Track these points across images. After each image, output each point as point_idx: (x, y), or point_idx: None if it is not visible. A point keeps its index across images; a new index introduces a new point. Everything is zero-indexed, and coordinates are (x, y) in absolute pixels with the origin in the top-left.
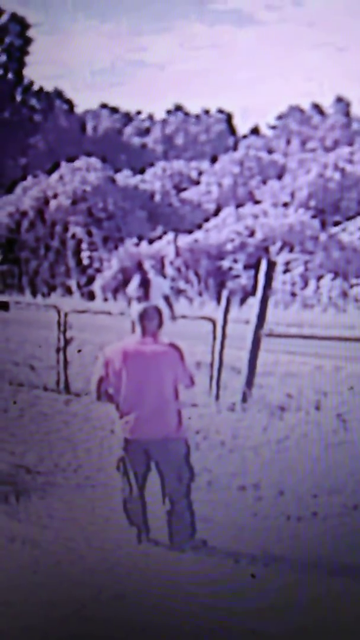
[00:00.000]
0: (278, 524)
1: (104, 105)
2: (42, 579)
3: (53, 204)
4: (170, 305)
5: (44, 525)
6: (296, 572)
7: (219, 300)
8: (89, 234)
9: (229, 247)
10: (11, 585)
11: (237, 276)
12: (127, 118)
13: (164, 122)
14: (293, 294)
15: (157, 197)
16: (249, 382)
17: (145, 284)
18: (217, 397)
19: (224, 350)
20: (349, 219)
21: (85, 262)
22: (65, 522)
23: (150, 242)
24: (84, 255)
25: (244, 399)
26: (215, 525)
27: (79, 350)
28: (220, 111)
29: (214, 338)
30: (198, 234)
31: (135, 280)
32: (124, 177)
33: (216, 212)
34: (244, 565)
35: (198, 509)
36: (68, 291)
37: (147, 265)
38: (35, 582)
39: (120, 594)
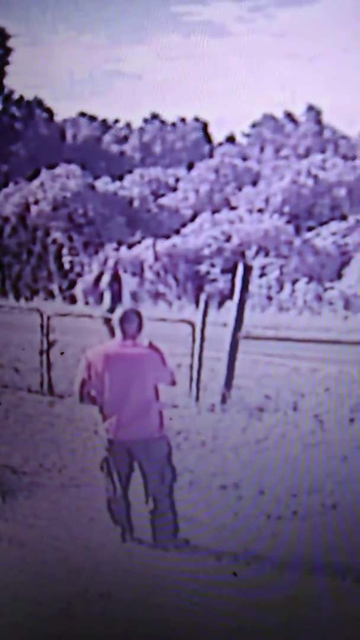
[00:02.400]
0: (258, 523)
1: (82, 114)
2: (28, 577)
3: (34, 209)
4: (136, 301)
5: (29, 524)
6: (277, 570)
7: (197, 303)
8: (70, 239)
9: (206, 251)
10: None
11: (215, 280)
12: (106, 126)
13: (142, 130)
14: (269, 298)
15: (136, 203)
16: (228, 384)
17: (116, 279)
18: (197, 398)
19: (203, 352)
20: (322, 224)
21: (67, 266)
22: (51, 522)
23: (130, 247)
24: (65, 259)
25: (224, 400)
26: (197, 524)
27: (62, 353)
28: (197, 119)
29: (193, 340)
30: (176, 239)
31: (107, 277)
32: (103, 184)
33: (193, 218)
34: (225, 564)
35: (180, 508)
36: (50, 295)
37: (118, 265)
38: (22, 581)
39: (105, 592)
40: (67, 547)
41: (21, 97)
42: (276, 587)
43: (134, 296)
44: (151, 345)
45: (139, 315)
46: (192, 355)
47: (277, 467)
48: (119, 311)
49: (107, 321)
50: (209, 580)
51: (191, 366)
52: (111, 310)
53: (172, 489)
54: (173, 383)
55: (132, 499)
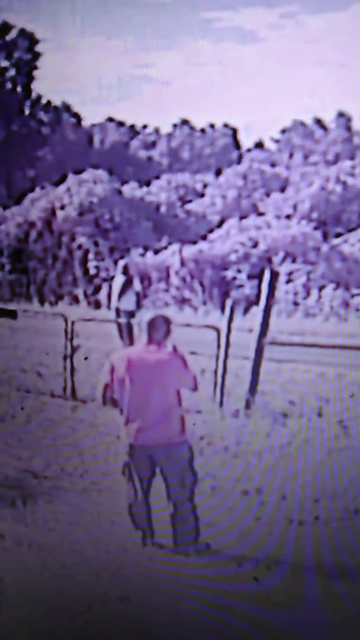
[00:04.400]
0: (280, 528)
1: (110, 119)
2: (48, 581)
3: (60, 215)
4: (139, 300)
5: (50, 528)
6: (298, 575)
7: (223, 309)
8: (96, 244)
9: (233, 257)
10: (18, 588)
11: (241, 286)
12: (134, 132)
13: (170, 135)
14: (295, 304)
15: (163, 209)
16: (253, 389)
17: (129, 282)
18: (221, 403)
19: (227, 358)
20: (350, 230)
21: (92, 271)
22: (72, 526)
23: (156, 252)
24: (91, 265)
25: (248, 406)
26: (218, 529)
27: (86, 358)
28: (226, 125)
29: (218, 346)
30: (202, 245)
31: (119, 278)
32: (130, 189)
33: (220, 224)
34: (246, 569)
35: (202, 513)
36: (75, 300)
37: (131, 266)
38: (42, 584)
39: (125, 596)
40: (88, 551)
41: (49, 102)
42: (297, 591)
43: (137, 295)
44: (174, 350)
45: (167, 321)
46: (217, 360)
47: (300, 472)
48: (146, 315)
49: (119, 324)
50: (229, 585)
51: (215, 371)
52: (132, 314)
53: (193, 493)
54: (195, 388)
55: (153, 503)
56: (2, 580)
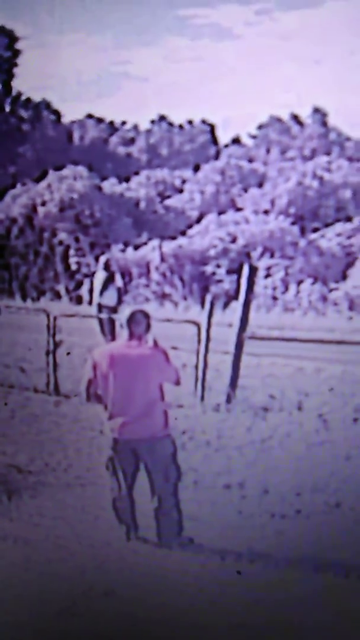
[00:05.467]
0: (262, 521)
1: (90, 116)
2: (33, 576)
3: (41, 211)
4: (120, 295)
5: (34, 523)
6: (280, 568)
7: (202, 304)
8: (77, 240)
9: (212, 252)
10: (3, 583)
11: (220, 281)
12: (113, 128)
13: (149, 132)
14: (274, 298)
15: (142, 205)
16: (233, 384)
17: (112, 278)
18: (202, 398)
19: (208, 352)
20: (327, 225)
21: (73, 267)
22: (56, 521)
23: (136, 248)
24: (72, 260)
25: (228, 400)
26: (201, 523)
27: (68, 353)
28: (204, 122)
29: (199, 341)
30: (182, 240)
31: (101, 274)
32: (110, 185)
33: (199, 219)
34: (230, 562)
35: (185, 507)
36: (57, 295)
37: (112, 262)
38: (27, 579)
39: (110, 590)
40: (72, 546)
41: (29, 99)
42: (280, 584)
43: (119, 290)
44: (156, 345)
45: (147, 316)
46: (198, 355)
47: (282, 466)
48: (126, 311)
49: (101, 319)
50: (213, 579)
51: (196, 366)
52: (113, 310)
53: (176, 487)
54: (177, 382)
55: (137, 498)
56: None
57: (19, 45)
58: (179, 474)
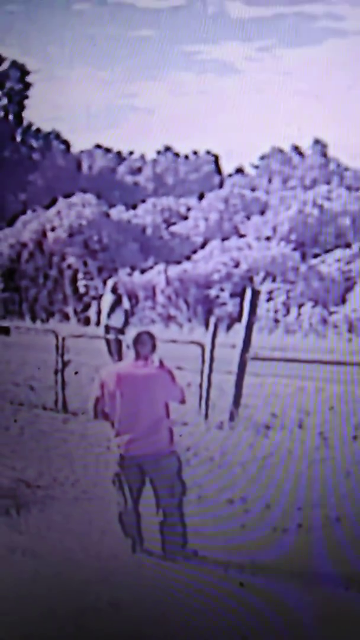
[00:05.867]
0: (264, 535)
1: (98, 146)
2: (41, 588)
3: (51, 236)
4: (127, 317)
5: (43, 536)
6: (282, 580)
7: (207, 326)
8: (85, 264)
9: (216, 277)
10: (11, 595)
11: (224, 304)
12: (120, 158)
13: (155, 161)
14: (276, 321)
15: (149, 231)
16: (236, 402)
17: (119, 301)
18: (206, 416)
19: (212, 372)
20: (327, 251)
21: (82, 290)
22: (64, 534)
23: (143, 272)
24: (80, 283)
25: (232, 418)
26: (205, 536)
27: (76, 372)
28: (208, 152)
29: (203, 361)
30: (187, 265)
31: (108, 297)
32: (118, 212)
33: (203, 245)
34: (232, 575)
35: (189, 521)
36: (65, 317)
37: (119, 285)
38: (35, 591)
39: (115, 601)
40: (79, 558)
41: (39, 129)
42: (282, 596)
43: (126, 313)
44: (161, 365)
45: (152, 337)
46: (202, 374)
47: (283, 482)
48: (132, 332)
49: (108, 340)
50: (216, 590)
51: (200, 385)
52: (121, 331)
53: (181, 502)
54: (183, 401)
55: (142, 512)
56: None
57: (30, 78)
58: (184, 489)
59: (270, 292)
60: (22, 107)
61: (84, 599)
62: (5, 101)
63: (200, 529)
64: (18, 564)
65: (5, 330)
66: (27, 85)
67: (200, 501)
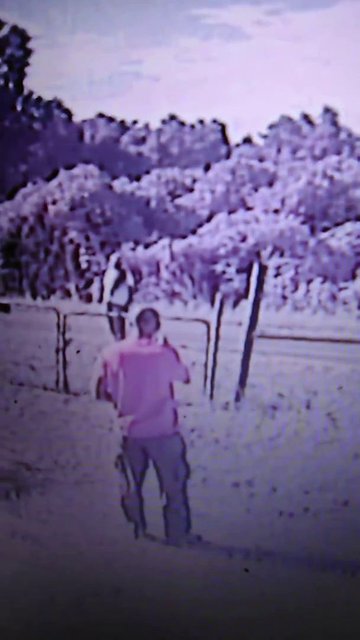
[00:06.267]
0: (271, 519)
1: (101, 115)
2: (41, 573)
3: (52, 209)
4: (131, 294)
5: (43, 520)
6: (288, 566)
7: (212, 302)
8: (87, 238)
9: (222, 251)
10: (11, 580)
11: (230, 280)
12: (124, 127)
13: (159, 131)
14: (284, 297)
15: (153, 204)
16: (242, 382)
17: (123, 277)
18: (211, 396)
19: (217, 351)
20: (337, 224)
21: (84, 265)
22: (64, 518)
23: (146, 246)
24: (82, 259)
25: (237, 398)
26: (209, 520)
27: (78, 351)
28: (215, 121)
29: (208, 339)
30: (192, 239)
31: (113, 273)
32: (121, 184)
33: (209, 218)
34: (237, 560)
35: (193, 505)
36: (67, 294)
37: (123, 261)
38: (35, 576)
39: (118, 587)
40: (80, 543)
41: (40, 98)
42: (287, 582)
43: (130, 289)
44: (166, 343)
45: (156, 314)
46: (207, 353)
47: (290, 464)
48: (135, 309)
49: (110, 317)
50: (220, 576)
51: (205, 365)
52: (124, 308)
53: (185, 485)
54: (187, 380)
55: (145, 495)
56: None
57: (31, 45)
58: (188, 472)
59: (278, 268)
60: (22, 75)
61: (85, 585)
62: (5, 68)
63: (205, 513)
64: (18, 549)
65: (5, 308)
66: (28, 52)
67: (205, 484)
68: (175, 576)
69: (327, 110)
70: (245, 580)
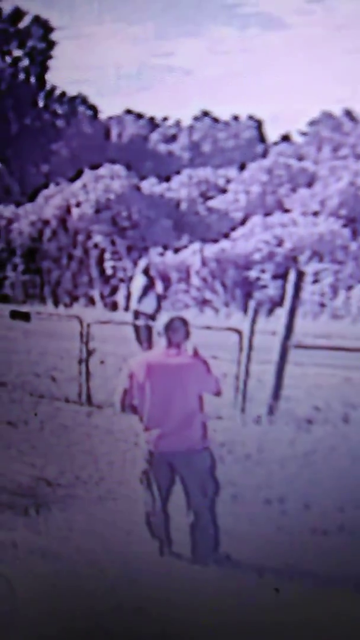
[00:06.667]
0: (303, 537)
1: (129, 111)
2: (61, 591)
3: (76, 212)
4: (159, 302)
5: (64, 537)
6: (321, 586)
7: (245, 311)
8: (113, 243)
9: (257, 256)
10: (30, 598)
11: (265, 286)
12: (153, 124)
13: (191, 128)
14: (322, 305)
15: (183, 206)
16: (276, 395)
17: (151, 284)
18: (243, 409)
19: (250, 362)
20: None
21: (109, 272)
22: (86, 535)
23: (176, 251)
24: (108, 264)
25: (271, 412)
26: (239, 538)
27: (102, 362)
28: (250, 117)
29: (240, 349)
30: (225, 244)
31: (141, 279)
32: (149, 185)
33: (244, 221)
34: (267, 580)
35: (221, 522)
36: (91, 301)
37: (151, 266)
38: (55, 594)
39: (140, 607)
40: (103, 561)
41: (64, 93)
42: (320, 603)
43: (159, 298)
44: (195, 354)
45: (185, 323)
46: (239, 364)
47: (325, 480)
48: (163, 318)
49: (137, 326)
50: (249, 596)
51: (237, 376)
52: (152, 317)
53: (214, 502)
54: (218, 393)
55: (171, 512)
56: (15, 590)
57: (54, 36)
58: (218, 489)
59: (316, 274)
60: (45, 69)
61: (106, 604)
62: (26, 62)
63: (234, 530)
64: (37, 566)
65: (25, 316)
66: (51, 44)
67: (235, 501)
68: (202, 596)
69: None
70: (276, 600)
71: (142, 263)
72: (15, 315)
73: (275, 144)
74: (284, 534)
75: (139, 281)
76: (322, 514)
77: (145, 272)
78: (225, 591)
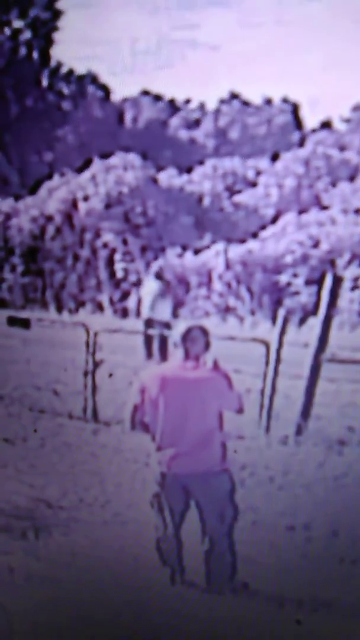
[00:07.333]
0: (329, 566)
1: (145, 92)
2: (62, 621)
3: (83, 207)
4: (175, 308)
5: (65, 563)
6: (347, 619)
7: (274, 320)
8: (125, 242)
9: (289, 259)
10: (29, 625)
11: (297, 293)
12: (173, 107)
13: (217, 112)
14: None
15: (206, 201)
16: (305, 413)
17: (166, 289)
18: (268, 429)
19: (277, 376)
20: None
21: (120, 274)
22: (90, 560)
23: (196, 252)
24: (118, 266)
25: (299, 432)
26: (258, 566)
27: (110, 375)
28: (285, 100)
29: (267, 363)
30: (252, 244)
31: (155, 285)
32: (168, 177)
33: (275, 219)
34: (289, 611)
35: (240, 549)
36: (99, 307)
37: (166, 269)
38: (55, 624)
39: (149, 638)
40: (108, 589)
41: (71, 71)
42: (346, 637)
43: (174, 308)
44: (216, 367)
45: (205, 333)
46: (264, 379)
47: (355, 506)
48: (181, 326)
49: (148, 336)
50: (269, 629)
51: (262, 392)
52: (167, 325)
53: (232, 529)
54: (240, 410)
55: (184, 537)
56: (13, 616)
57: (60, 5)
58: (236, 514)
59: (355, 279)
60: (49, 43)
61: (113, 635)
62: (28, 35)
63: (253, 558)
64: (34, 593)
65: (25, 323)
66: (57, 14)
67: (255, 527)
68: (217, 628)
69: None
70: (298, 633)
71: (155, 265)
72: (13, 321)
73: (314, 131)
74: (308, 562)
75: (151, 286)
76: (351, 541)
77: (158, 275)
78: (242, 622)
